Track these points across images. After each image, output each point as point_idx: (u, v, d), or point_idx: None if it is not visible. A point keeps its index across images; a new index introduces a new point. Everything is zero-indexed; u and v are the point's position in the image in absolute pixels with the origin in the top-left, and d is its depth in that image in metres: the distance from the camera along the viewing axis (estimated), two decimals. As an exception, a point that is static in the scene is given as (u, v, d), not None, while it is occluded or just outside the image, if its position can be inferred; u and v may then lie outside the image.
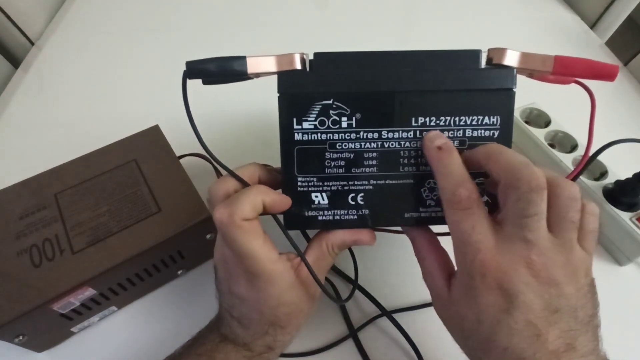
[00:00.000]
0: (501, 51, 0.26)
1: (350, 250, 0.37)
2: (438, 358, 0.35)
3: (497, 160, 0.24)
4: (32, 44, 0.63)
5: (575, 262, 0.23)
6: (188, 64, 0.26)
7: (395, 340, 0.36)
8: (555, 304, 0.22)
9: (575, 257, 0.23)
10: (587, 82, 0.27)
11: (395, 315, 0.36)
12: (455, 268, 0.26)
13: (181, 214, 0.34)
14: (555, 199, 0.23)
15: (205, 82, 0.27)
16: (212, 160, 0.27)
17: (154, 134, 0.40)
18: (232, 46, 0.62)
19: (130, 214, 0.34)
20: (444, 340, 0.35)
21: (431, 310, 0.36)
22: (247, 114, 0.52)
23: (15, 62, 0.61)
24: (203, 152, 0.27)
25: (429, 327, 0.36)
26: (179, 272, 0.38)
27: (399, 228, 0.30)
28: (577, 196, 0.23)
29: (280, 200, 0.27)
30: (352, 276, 0.37)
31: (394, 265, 0.40)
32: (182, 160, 0.39)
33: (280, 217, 0.28)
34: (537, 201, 0.22)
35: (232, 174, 0.27)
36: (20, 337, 0.30)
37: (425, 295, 0.37)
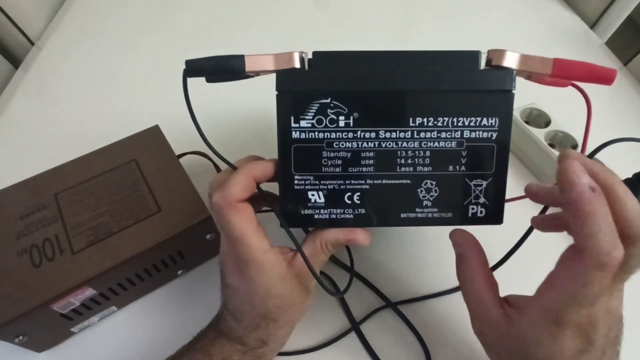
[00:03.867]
0: (500, 52, 0.26)
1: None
2: (443, 348, 0.35)
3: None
4: (32, 44, 0.63)
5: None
6: (187, 62, 0.26)
7: (397, 332, 0.36)
8: (613, 336, 0.24)
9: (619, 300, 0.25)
10: (584, 86, 0.27)
11: (399, 307, 0.36)
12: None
13: (181, 214, 0.34)
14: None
15: (208, 80, 0.28)
16: (212, 157, 0.28)
17: (154, 134, 0.40)
18: (232, 46, 0.62)
19: (130, 214, 0.34)
20: (448, 331, 0.36)
21: (434, 302, 0.37)
22: (246, 112, 0.52)
23: (15, 62, 0.61)
24: (202, 150, 0.27)
25: (432, 319, 0.36)
26: (179, 272, 0.38)
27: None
28: None
29: (267, 165, 0.28)
30: (350, 269, 0.38)
31: (396, 257, 0.40)
32: (182, 160, 0.39)
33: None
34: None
35: (220, 157, 0.28)
36: (20, 337, 0.31)
37: (427, 287, 0.38)
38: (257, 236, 0.27)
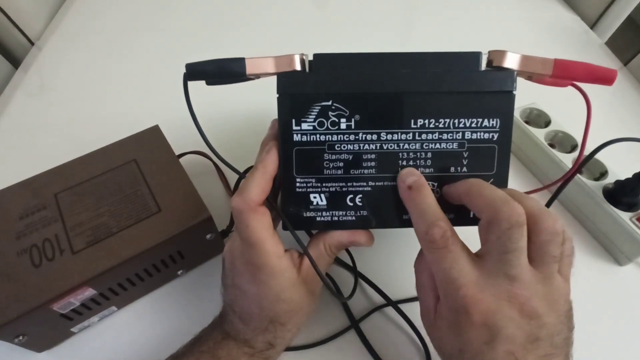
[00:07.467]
0: (501, 53, 0.26)
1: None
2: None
3: (477, 196, 0.25)
4: (32, 44, 0.63)
5: (555, 293, 0.23)
6: (188, 66, 0.26)
7: (397, 330, 0.36)
8: (536, 333, 0.22)
9: (556, 288, 0.23)
10: (584, 86, 0.27)
11: (399, 306, 0.36)
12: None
13: (181, 214, 0.34)
14: (536, 234, 0.23)
15: (208, 83, 0.28)
16: (212, 157, 0.28)
17: (154, 134, 0.40)
18: (232, 46, 0.62)
19: (130, 214, 0.34)
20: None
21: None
22: (247, 114, 0.52)
23: (15, 62, 0.61)
24: (203, 150, 0.27)
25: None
26: (179, 272, 0.38)
27: None
28: (558, 230, 0.23)
29: (275, 155, 0.27)
30: (353, 273, 0.38)
31: (397, 256, 0.40)
32: (182, 160, 0.39)
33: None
34: (516, 238, 0.22)
35: (223, 161, 0.29)
36: (20, 337, 0.31)
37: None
38: (273, 241, 0.27)
